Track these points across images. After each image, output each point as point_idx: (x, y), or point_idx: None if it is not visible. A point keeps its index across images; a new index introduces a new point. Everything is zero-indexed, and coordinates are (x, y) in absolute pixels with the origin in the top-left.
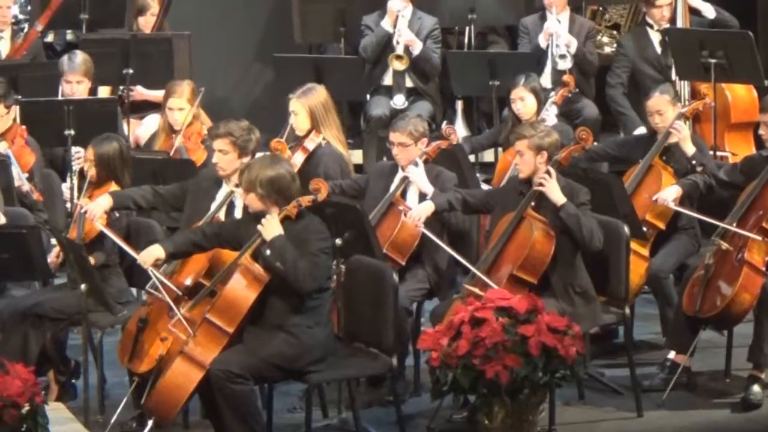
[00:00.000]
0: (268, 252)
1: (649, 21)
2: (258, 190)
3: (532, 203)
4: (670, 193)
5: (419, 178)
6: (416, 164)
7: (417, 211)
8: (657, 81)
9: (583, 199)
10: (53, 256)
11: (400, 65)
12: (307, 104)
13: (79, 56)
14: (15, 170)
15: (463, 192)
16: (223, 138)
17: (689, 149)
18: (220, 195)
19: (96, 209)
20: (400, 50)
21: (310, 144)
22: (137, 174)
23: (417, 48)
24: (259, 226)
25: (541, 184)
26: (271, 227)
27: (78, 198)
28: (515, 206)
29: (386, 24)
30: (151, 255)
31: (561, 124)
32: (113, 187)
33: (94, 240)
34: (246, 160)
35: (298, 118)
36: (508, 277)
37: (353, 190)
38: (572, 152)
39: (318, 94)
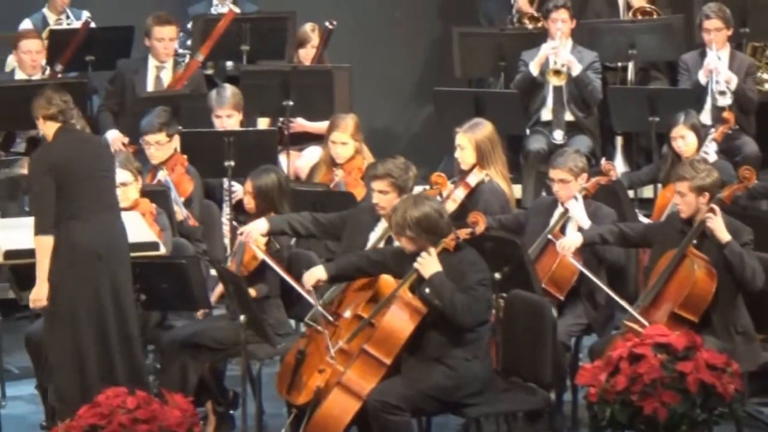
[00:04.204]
0: (427, 290)
1: None
2: (407, 233)
3: (694, 241)
4: None
5: (578, 213)
6: (576, 198)
7: (566, 242)
8: None
9: (747, 239)
10: (215, 296)
11: (557, 80)
12: (473, 139)
13: (228, 90)
14: (172, 196)
15: (621, 225)
16: (383, 179)
17: None
18: (379, 229)
19: (253, 232)
20: (558, 66)
21: (473, 179)
22: (296, 206)
23: (576, 69)
24: (416, 264)
25: (707, 220)
26: (430, 264)
27: (237, 231)
28: (676, 244)
29: (533, 67)
30: (312, 276)
31: (721, 161)
32: None
33: (255, 271)
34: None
35: (464, 153)
36: (669, 315)
37: (513, 225)
38: (735, 191)
39: (485, 129)
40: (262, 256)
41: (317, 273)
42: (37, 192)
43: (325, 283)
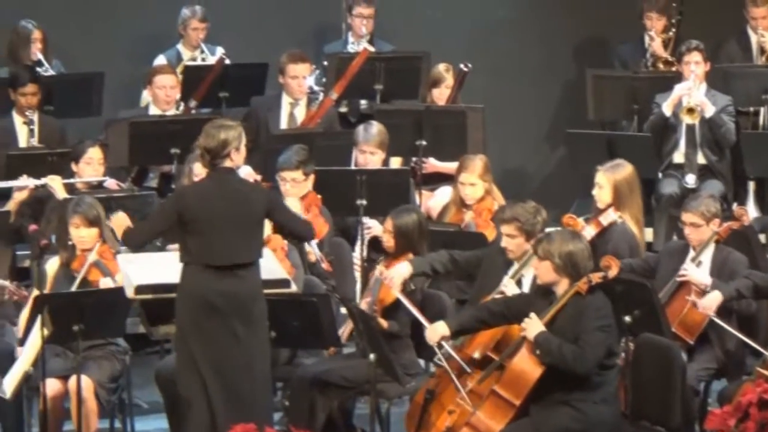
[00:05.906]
0: (537, 352)
1: None
2: (555, 260)
3: None
4: None
5: (695, 276)
6: (698, 264)
7: (706, 302)
8: None
9: None
10: (345, 334)
11: (690, 119)
12: (613, 179)
13: (375, 127)
14: None
15: (755, 277)
16: (510, 224)
17: None
18: (511, 272)
19: (396, 277)
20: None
21: (605, 219)
22: (429, 246)
23: (709, 111)
24: (522, 332)
25: None
26: (533, 327)
27: (377, 272)
28: None
29: (666, 108)
30: (436, 332)
31: None
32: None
33: (388, 308)
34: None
35: (602, 191)
36: None
37: (643, 270)
38: None
39: (625, 171)
40: (403, 301)
41: (440, 330)
42: (156, 211)
43: (449, 339)
